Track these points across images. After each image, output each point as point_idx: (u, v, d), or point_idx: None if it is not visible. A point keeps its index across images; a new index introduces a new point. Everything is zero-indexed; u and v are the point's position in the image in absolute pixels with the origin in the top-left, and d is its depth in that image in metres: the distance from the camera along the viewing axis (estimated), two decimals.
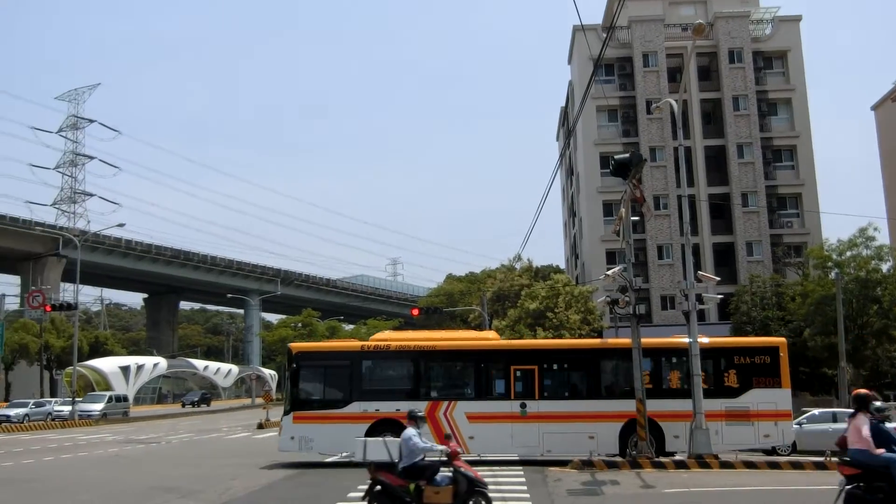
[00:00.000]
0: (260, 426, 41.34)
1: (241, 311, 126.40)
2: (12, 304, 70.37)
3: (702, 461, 20.44)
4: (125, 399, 55.88)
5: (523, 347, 24.90)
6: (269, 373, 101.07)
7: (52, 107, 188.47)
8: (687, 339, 21.91)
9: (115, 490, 17.22)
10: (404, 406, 20.42)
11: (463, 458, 12.44)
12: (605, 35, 54.83)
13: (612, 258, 53.28)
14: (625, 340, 23.29)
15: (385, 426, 21.14)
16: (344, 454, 22.26)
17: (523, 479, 18.27)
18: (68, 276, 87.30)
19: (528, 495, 15.75)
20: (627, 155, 22.86)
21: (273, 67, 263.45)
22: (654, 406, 21.51)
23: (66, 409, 50.00)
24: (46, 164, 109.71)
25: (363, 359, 23.09)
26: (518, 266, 61.00)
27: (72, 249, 73.95)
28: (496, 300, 56.88)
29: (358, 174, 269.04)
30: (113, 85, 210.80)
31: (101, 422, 48.44)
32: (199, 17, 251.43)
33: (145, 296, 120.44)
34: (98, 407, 51.27)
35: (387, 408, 21.99)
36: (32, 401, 51.93)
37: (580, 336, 45.25)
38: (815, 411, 29.52)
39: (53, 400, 54.84)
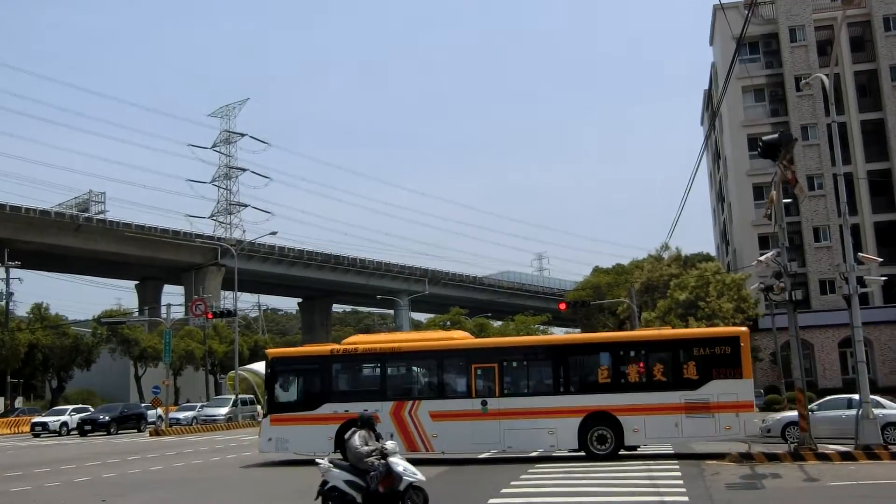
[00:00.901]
0: None
1: (391, 312, 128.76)
2: (178, 312, 74.04)
3: (870, 452, 19.49)
4: (252, 402, 55.00)
5: (482, 346, 25.13)
6: None
7: (206, 123, 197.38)
8: (647, 332, 22.55)
9: (268, 487, 17.84)
10: (372, 406, 21.66)
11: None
12: (747, 12, 52.90)
13: (764, 243, 51.40)
14: (583, 335, 24.97)
15: (354, 426, 21.23)
16: (317, 453, 22.53)
17: (679, 473, 17.86)
18: (227, 285, 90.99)
19: (684, 490, 15.36)
20: (776, 135, 22.14)
21: (411, 71, 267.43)
22: (613, 400, 21.67)
23: (189, 414, 50.57)
24: (203, 179, 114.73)
25: (333, 362, 24.12)
26: (666, 255, 59.60)
27: (229, 259, 77.13)
28: (645, 291, 55.80)
29: (500, 171, 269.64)
30: (260, 99, 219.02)
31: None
32: (336, 29, 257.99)
33: (300, 300, 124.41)
34: (222, 411, 51.15)
35: (356, 408, 22.05)
36: (200, 404, 54.49)
37: (733, 325, 43.85)
38: (830, 397, 28.22)
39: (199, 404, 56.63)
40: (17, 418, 55.39)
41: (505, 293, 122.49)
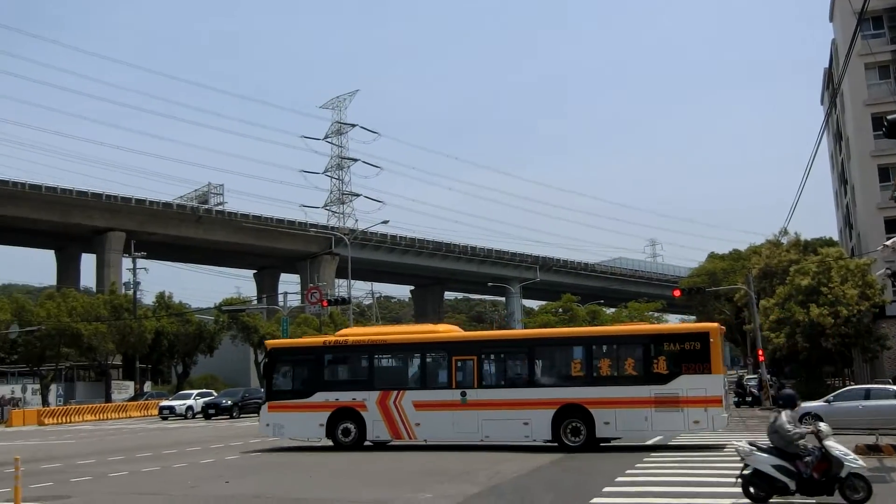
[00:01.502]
0: None
1: (503, 299, 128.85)
2: (294, 300, 75.89)
3: None
4: None
5: (462, 339, 25.62)
6: None
7: (318, 115, 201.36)
8: (619, 327, 23.45)
9: (392, 472, 18.18)
10: (360, 396, 23.85)
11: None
12: None
13: (891, 227, 49.27)
14: (556, 330, 25.72)
15: (344, 414, 23.91)
16: (311, 438, 24.52)
17: None
18: (341, 273, 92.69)
19: None
20: None
21: (517, 58, 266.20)
22: (585, 393, 22.09)
23: None
24: (316, 170, 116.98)
25: (325, 353, 25.24)
26: (785, 241, 57.74)
27: (343, 248, 78.55)
28: (763, 277, 54.18)
29: (610, 157, 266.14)
30: (369, 89, 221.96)
31: None
32: (442, 17, 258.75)
33: (412, 288, 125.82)
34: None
35: (345, 397, 24.09)
36: None
37: (858, 312, 42.25)
38: (847, 388, 27.85)
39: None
40: (146, 402, 58.06)
41: (617, 280, 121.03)
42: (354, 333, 26.68)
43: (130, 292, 68.30)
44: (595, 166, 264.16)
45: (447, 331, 26.44)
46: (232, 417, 48.06)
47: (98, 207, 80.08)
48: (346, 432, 23.93)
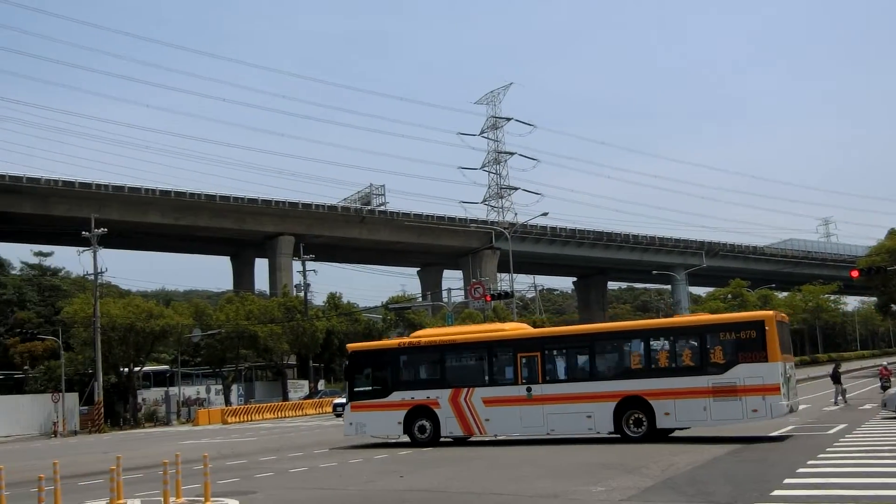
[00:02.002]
0: None
1: (668, 287, 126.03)
2: (458, 296, 76.77)
3: None
4: None
5: (526, 336, 25.79)
6: None
7: (473, 111, 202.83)
8: (676, 319, 23.92)
9: (554, 466, 18.05)
10: (433, 394, 24.88)
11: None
12: None
13: None
14: (615, 324, 27.16)
15: (419, 412, 24.93)
16: (389, 436, 25.83)
17: None
18: (503, 267, 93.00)
19: None
20: None
21: (664, 39, 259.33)
22: (645, 385, 22.37)
23: None
24: (473, 165, 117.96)
25: (400, 354, 26.31)
26: None
27: (503, 241, 78.77)
28: None
29: (769, 133, 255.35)
30: (522, 81, 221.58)
31: None
32: (578, 6, 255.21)
33: (574, 279, 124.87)
34: None
35: (420, 396, 25.11)
36: None
37: None
38: None
39: None
40: (321, 400, 60.06)
41: (789, 262, 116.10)
42: (427, 335, 27.79)
43: (301, 294, 70.89)
44: (758, 146, 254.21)
45: (513, 328, 27.27)
46: None
47: (268, 213, 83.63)
48: (421, 429, 24.94)
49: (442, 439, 24.84)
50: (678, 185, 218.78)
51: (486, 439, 25.32)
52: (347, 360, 27.57)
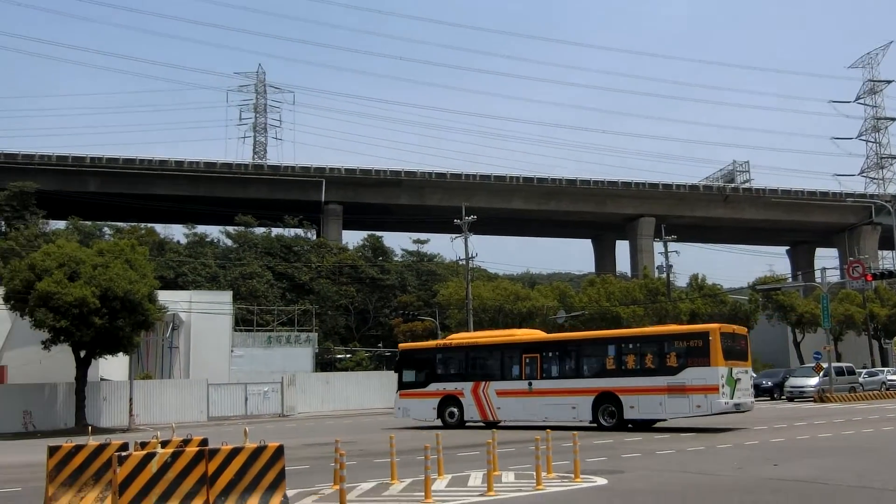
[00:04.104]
0: None
1: None
2: (833, 276, 71.61)
3: None
4: (849, 372, 48.13)
5: (530, 340, 31.05)
6: None
7: (847, 76, 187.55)
8: (641, 329, 31.02)
9: None
10: (459, 385, 30.55)
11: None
12: None
13: None
14: (595, 332, 33.31)
15: (449, 400, 30.65)
16: (427, 420, 31.30)
17: None
18: (885, 243, 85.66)
19: None
20: None
21: None
22: (616, 383, 27.09)
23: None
24: (848, 135, 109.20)
25: (436, 353, 32.27)
26: None
27: (885, 216, 72.34)
28: None
29: None
30: None
31: None
32: None
33: None
34: (811, 382, 44.98)
35: (450, 387, 30.83)
36: (864, 370, 52.20)
37: None
38: None
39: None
40: None
41: None
42: (458, 338, 33.62)
43: (664, 275, 70.12)
44: None
45: (525, 334, 32.43)
46: (773, 399, 46.85)
47: (628, 195, 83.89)
48: (451, 415, 30.58)
49: (467, 424, 30.17)
50: None
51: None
52: (398, 356, 33.69)
